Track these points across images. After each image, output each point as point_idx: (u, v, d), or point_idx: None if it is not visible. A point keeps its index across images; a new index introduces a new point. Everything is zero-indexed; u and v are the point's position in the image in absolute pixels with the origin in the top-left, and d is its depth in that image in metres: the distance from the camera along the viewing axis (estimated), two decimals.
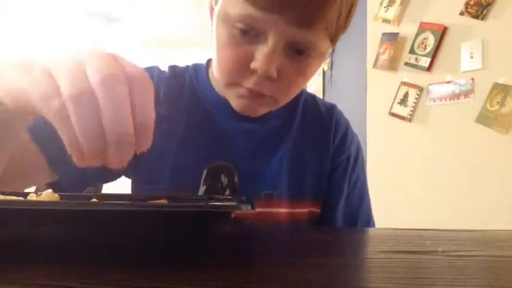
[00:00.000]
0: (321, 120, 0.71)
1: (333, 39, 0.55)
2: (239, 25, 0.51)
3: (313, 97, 0.74)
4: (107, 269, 0.30)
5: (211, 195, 0.52)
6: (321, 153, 0.68)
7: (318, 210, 0.68)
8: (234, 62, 0.54)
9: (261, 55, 0.51)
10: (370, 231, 0.60)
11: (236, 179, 0.62)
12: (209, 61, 0.70)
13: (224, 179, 0.63)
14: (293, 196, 0.65)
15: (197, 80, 0.68)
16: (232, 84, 0.57)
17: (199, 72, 0.69)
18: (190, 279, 0.28)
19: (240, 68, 0.54)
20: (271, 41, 0.51)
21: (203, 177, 0.62)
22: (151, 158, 0.61)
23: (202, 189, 0.62)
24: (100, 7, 3.97)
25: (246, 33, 0.52)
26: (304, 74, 0.56)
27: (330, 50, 2.82)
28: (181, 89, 0.67)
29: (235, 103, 0.59)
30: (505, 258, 0.39)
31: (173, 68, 0.69)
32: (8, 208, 0.35)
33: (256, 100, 0.57)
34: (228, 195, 0.62)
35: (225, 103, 0.62)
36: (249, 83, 0.54)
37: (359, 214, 0.71)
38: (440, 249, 0.41)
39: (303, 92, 0.72)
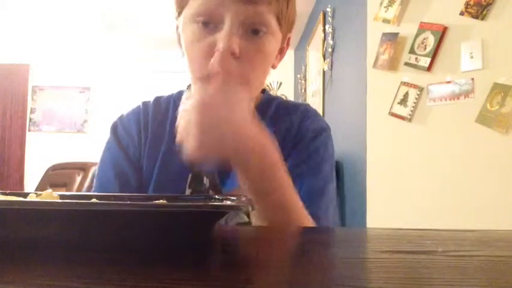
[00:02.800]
0: (289, 115, 0.75)
1: (279, 19, 0.64)
2: (199, 18, 0.61)
3: (285, 101, 0.80)
4: (107, 269, 0.30)
5: (211, 195, 0.53)
6: (287, 143, 0.72)
7: None
8: (201, 52, 0.61)
9: (221, 36, 0.59)
10: (370, 231, 0.60)
11: (217, 181, 0.69)
12: (189, 86, 0.78)
13: (206, 181, 0.70)
14: None
15: (180, 102, 0.75)
16: (203, 77, 0.62)
17: (182, 95, 0.78)
18: (191, 279, 0.28)
19: (207, 55, 0.60)
20: (227, 22, 0.59)
21: (188, 182, 0.69)
22: (140, 176, 0.71)
23: (188, 192, 0.70)
24: (103, 6, 3.97)
25: (207, 26, 0.61)
26: (263, 52, 0.63)
27: (330, 50, 2.77)
28: (165, 113, 0.76)
29: None
30: (505, 258, 0.39)
31: (157, 99, 0.78)
32: (8, 208, 0.35)
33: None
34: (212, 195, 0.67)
35: None
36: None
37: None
38: (440, 249, 0.41)
39: (275, 99, 0.79)
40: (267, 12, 0.61)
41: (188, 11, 0.63)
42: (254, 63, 0.63)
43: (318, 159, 0.72)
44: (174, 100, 0.78)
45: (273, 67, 0.72)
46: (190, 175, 0.70)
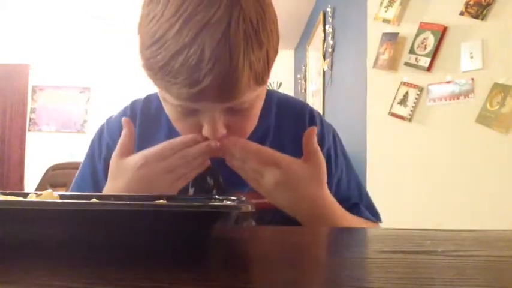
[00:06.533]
0: (296, 115, 0.74)
1: (260, 83, 0.58)
2: (179, 109, 0.58)
3: (285, 97, 0.78)
4: (107, 269, 0.30)
5: (211, 196, 0.53)
6: (299, 145, 0.69)
7: None
8: (187, 130, 0.61)
9: (206, 123, 0.58)
10: (370, 231, 0.60)
11: (221, 179, 0.68)
12: None
13: (210, 181, 0.68)
14: None
15: None
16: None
17: None
18: (190, 279, 0.28)
19: (194, 131, 0.60)
20: (208, 115, 0.57)
21: (191, 181, 0.66)
22: None
23: (191, 191, 0.68)
24: (103, 6, 3.97)
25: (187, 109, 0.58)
26: (249, 117, 0.62)
27: (330, 50, 2.75)
28: (158, 113, 0.71)
29: None
30: (505, 258, 0.39)
31: (148, 97, 0.75)
32: (8, 208, 0.35)
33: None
34: (216, 194, 0.67)
35: None
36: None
37: (350, 194, 0.75)
38: (440, 249, 0.41)
39: (274, 95, 0.76)
40: (248, 95, 0.56)
41: (165, 96, 0.58)
42: (242, 128, 0.62)
43: (347, 165, 0.76)
44: None
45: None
46: None
